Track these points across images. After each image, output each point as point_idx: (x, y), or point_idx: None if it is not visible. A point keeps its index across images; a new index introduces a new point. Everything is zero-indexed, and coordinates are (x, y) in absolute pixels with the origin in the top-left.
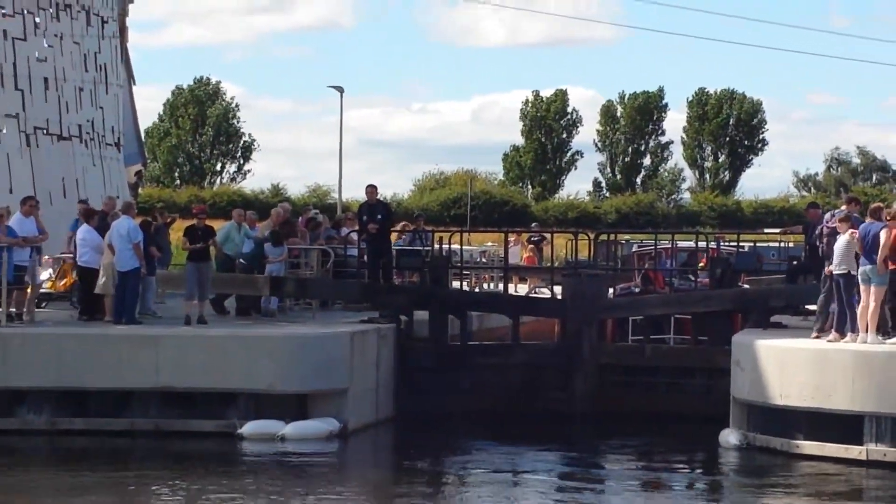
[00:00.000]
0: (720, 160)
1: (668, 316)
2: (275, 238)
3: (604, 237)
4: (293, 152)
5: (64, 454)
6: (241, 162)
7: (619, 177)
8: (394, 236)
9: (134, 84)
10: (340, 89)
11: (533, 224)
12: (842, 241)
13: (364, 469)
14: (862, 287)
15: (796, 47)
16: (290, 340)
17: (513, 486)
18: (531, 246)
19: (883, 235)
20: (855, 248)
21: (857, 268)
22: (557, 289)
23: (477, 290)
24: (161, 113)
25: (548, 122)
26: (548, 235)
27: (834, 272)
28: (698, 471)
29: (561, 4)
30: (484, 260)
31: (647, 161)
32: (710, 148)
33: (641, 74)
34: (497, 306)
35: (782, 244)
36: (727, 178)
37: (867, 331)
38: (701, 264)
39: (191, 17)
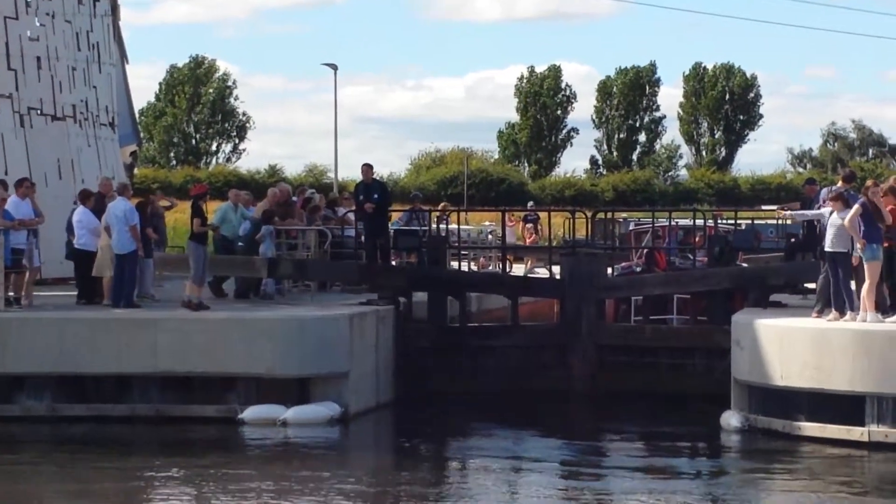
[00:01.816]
0: (716, 136)
1: (670, 296)
2: (264, 217)
3: (601, 215)
4: (286, 130)
5: (65, 440)
6: (237, 141)
7: (615, 154)
8: (392, 216)
9: (127, 63)
10: (334, 67)
11: (529, 203)
12: (834, 219)
13: (365, 453)
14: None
15: (791, 20)
16: (290, 323)
17: (513, 469)
18: (530, 225)
19: (852, 210)
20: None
21: (852, 247)
22: (556, 268)
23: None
24: (157, 92)
25: (543, 99)
26: (541, 214)
27: (828, 251)
28: (700, 453)
29: None
30: (491, 238)
31: (642, 137)
32: (706, 123)
33: (638, 49)
34: (496, 287)
35: (780, 221)
36: (723, 154)
37: (867, 309)
38: (698, 242)
39: None
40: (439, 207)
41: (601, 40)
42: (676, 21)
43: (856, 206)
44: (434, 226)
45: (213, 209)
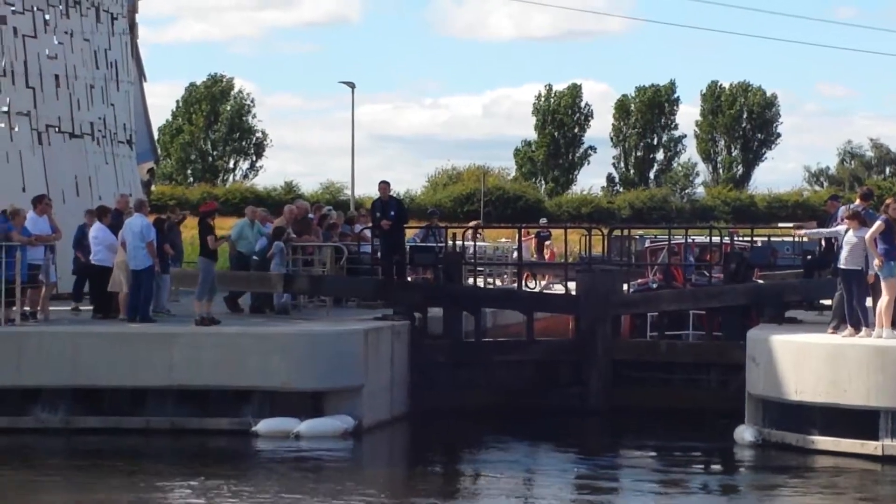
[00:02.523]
0: (733, 154)
1: (686, 312)
2: (275, 234)
3: (617, 232)
4: (303, 148)
5: (79, 453)
6: (254, 159)
7: (632, 171)
8: (409, 233)
9: (145, 80)
10: (352, 85)
11: (541, 220)
12: (850, 237)
13: (379, 466)
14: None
15: (807, 39)
16: (305, 338)
17: (528, 484)
18: (549, 242)
19: (874, 227)
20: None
21: (867, 265)
22: (571, 285)
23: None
24: (174, 109)
25: (560, 117)
26: (556, 231)
27: (842, 268)
28: (714, 468)
29: None
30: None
31: (660, 155)
32: (723, 141)
33: (654, 67)
34: (511, 302)
35: (796, 239)
36: (740, 171)
37: (883, 325)
38: (713, 259)
39: (197, 12)
40: (471, 224)
41: (617, 58)
42: (692, 39)
43: (878, 223)
44: (451, 242)
45: (229, 226)
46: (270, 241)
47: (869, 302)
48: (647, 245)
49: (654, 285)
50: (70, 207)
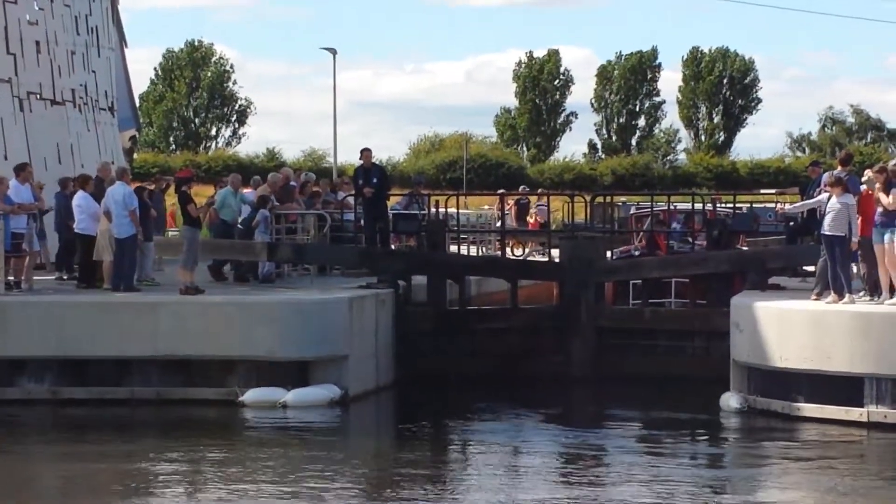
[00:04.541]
0: (715, 120)
1: (669, 279)
2: (259, 202)
3: (600, 199)
4: (285, 115)
5: (65, 423)
6: (236, 126)
7: (614, 138)
8: (392, 200)
9: (126, 47)
10: (333, 51)
11: (521, 187)
12: (833, 203)
13: (365, 435)
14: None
15: (789, 4)
16: (289, 306)
17: (513, 452)
18: (534, 209)
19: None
20: (849, 211)
21: (850, 231)
22: (555, 252)
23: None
24: (153, 77)
25: (541, 83)
26: (532, 198)
27: (826, 234)
28: (700, 435)
29: None
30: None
31: (641, 122)
32: (704, 108)
33: (636, 34)
34: (495, 270)
35: (779, 205)
36: (722, 138)
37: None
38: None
39: None
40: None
41: (599, 24)
42: (675, 4)
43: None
44: (433, 210)
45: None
46: (255, 210)
47: (853, 268)
48: (632, 212)
49: (637, 252)
50: (52, 175)
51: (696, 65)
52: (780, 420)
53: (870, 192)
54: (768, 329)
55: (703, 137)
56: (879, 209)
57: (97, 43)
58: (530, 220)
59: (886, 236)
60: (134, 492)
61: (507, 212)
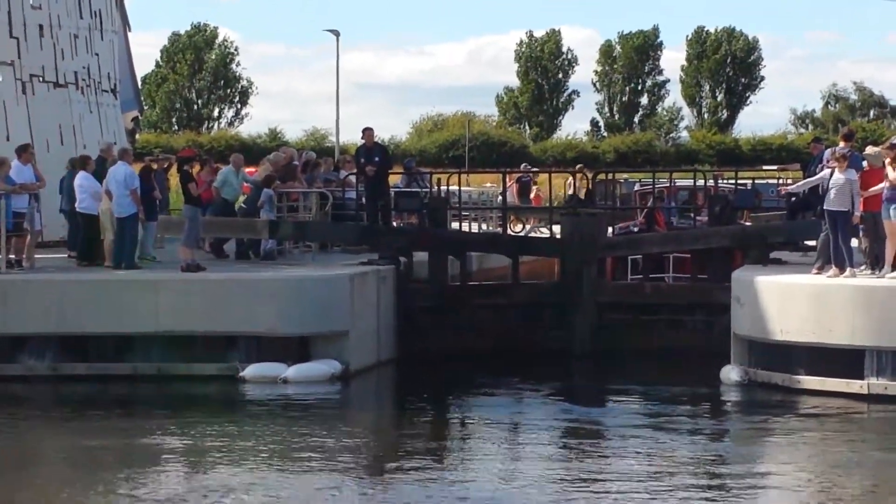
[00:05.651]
0: (718, 98)
1: (667, 256)
2: (265, 182)
3: (602, 176)
4: (288, 96)
5: (67, 400)
6: (239, 107)
7: (616, 116)
8: (393, 178)
9: (129, 30)
10: (336, 32)
11: (522, 165)
12: (836, 178)
13: (366, 411)
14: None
15: None
16: (290, 283)
17: (513, 426)
18: (536, 187)
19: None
20: (852, 186)
21: (853, 205)
22: (556, 228)
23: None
24: (158, 59)
25: (543, 63)
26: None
27: (829, 209)
28: (701, 409)
29: None
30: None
31: (644, 100)
32: (708, 86)
33: (639, 12)
34: (496, 246)
35: (781, 181)
36: (725, 116)
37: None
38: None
39: None
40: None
41: (602, 3)
42: None
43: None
44: (435, 187)
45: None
46: (259, 190)
47: (854, 243)
48: (636, 189)
49: (636, 229)
50: (54, 156)
51: (701, 44)
52: (781, 393)
53: (871, 167)
54: (769, 303)
55: (706, 115)
56: (887, 184)
57: (100, 26)
58: (532, 195)
59: (893, 211)
60: (135, 467)
61: (508, 187)
